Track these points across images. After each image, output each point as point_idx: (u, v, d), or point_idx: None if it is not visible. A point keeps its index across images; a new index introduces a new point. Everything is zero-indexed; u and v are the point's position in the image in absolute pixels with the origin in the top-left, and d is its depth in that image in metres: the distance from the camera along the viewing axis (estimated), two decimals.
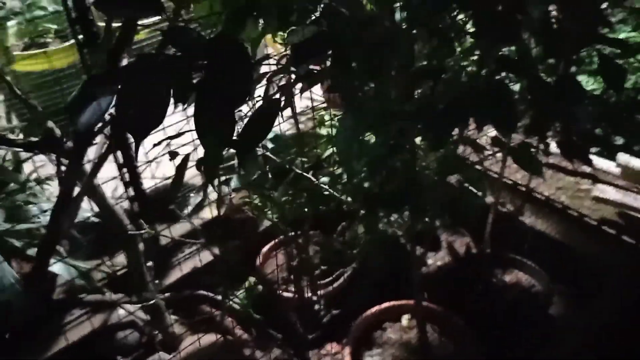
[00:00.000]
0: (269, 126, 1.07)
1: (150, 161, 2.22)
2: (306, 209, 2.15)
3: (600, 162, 3.05)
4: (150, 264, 2.15)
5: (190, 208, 2.75)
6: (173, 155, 1.50)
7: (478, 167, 2.94)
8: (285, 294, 2.39)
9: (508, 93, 1.27)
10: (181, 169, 1.42)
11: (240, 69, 0.86)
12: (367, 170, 1.56)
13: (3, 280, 1.45)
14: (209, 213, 2.79)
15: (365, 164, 1.55)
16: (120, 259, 2.45)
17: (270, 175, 2.13)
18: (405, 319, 2.28)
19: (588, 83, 3.15)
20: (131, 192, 2.36)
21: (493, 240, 2.58)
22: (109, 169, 2.11)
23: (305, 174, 2.04)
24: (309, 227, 2.37)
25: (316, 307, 2.23)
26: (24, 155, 1.90)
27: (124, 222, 1.91)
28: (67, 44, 2.43)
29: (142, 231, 1.89)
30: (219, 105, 0.85)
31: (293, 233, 2.37)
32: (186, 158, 1.46)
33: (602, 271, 2.43)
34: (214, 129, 0.85)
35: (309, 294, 2.27)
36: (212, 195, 3.06)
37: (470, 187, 1.60)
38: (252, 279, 2.53)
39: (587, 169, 3.12)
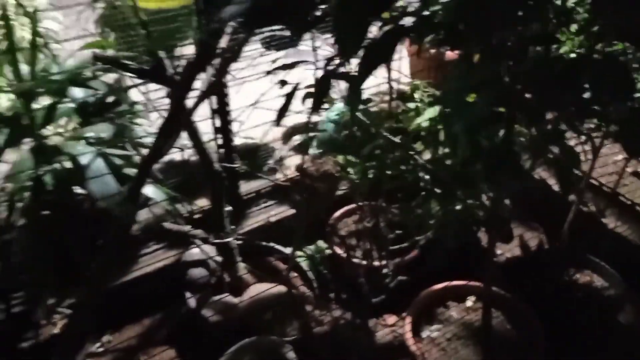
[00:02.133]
0: (390, 51, 1.08)
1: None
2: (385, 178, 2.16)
3: None
4: (229, 208, 2.22)
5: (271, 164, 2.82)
6: (283, 83, 1.53)
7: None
8: (353, 259, 2.41)
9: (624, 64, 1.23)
10: (289, 97, 1.46)
11: None
12: (465, 136, 1.54)
13: (109, 188, 1.54)
14: (290, 171, 2.86)
15: (465, 129, 1.54)
16: (202, 202, 2.55)
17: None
18: (470, 300, 2.27)
19: None
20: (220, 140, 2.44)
21: (570, 239, 2.51)
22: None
23: (395, 141, 2.05)
24: (384, 196, 2.39)
25: (384, 271, 2.24)
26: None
27: (212, 161, 1.98)
28: None
29: (234, 166, 1.95)
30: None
31: (367, 201, 2.40)
32: (295, 87, 1.50)
33: None
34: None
35: (378, 261, 2.28)
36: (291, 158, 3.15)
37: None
38: (321, 242, 2.58)
39: None
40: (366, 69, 1.06)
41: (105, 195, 1.52)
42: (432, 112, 1.99)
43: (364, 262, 2.32)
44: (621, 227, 2.60)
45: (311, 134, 2.76)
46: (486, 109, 1.47)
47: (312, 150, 2.57)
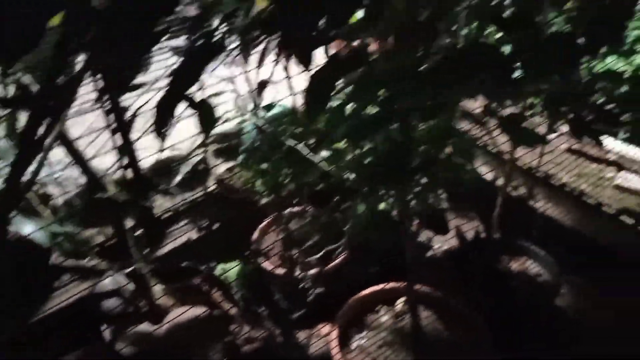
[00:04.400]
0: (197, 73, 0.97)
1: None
2: (298, 184, 2.06)
3: (626, 150, 2.87)
4: (139, 233, 2.09)
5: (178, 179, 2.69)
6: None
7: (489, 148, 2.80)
8: (278, 271, 2.31)
9: (499, 54, 1.14)
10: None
11: None
12: (352, 138, 1.45)
13: None
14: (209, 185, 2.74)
15: (350, 131, 1.45)
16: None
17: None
18: (400, 303, 2.18)
19: (616, 65, 2.95)
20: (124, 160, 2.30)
21: (503, 226, 2.44)
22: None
23: (297, 147, 1.95)
24: (304, 202, 2.29)
25: (303, 284, 2.14)
26: None
27: (106, 188, 1.85)
28: None
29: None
30: None
31: (289, 208, 2.30)
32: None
33: (615, 262, 2.27)
34: None
35: (298, 271, 2.18)
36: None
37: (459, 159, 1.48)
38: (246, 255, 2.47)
39: (612, 156, 2.94)
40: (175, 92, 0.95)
41: None
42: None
43: (285, 274, 2.23)
44: (551, 208, 2.55)
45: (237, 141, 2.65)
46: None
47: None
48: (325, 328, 2.30)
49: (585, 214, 2.50)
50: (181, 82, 0.95)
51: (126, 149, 2.23)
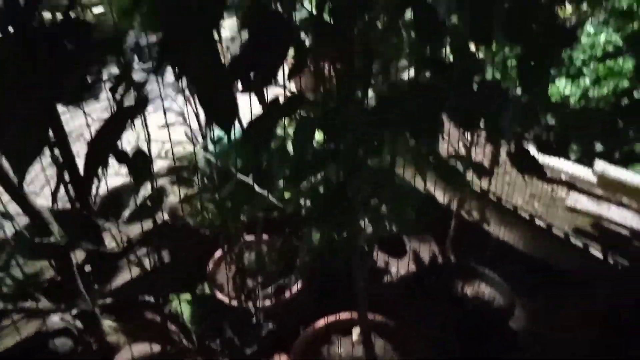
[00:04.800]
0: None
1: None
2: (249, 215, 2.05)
3: (577, 170, 2.93)
4: (88, 269, 2.05)
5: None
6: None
7: None
8: (232, 303, 2.29)
9: (433, 101, 1.15)
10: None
11: None
12: (292, 179, 1.45)
13: None
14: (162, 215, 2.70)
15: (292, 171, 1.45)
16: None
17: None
18: (355, 333, 2.17)
19: (565, 88, 3.02)
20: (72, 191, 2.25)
21: (457, 249, 2.47)
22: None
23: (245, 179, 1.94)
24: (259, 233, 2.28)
25: (255, 319, 2.12)
26: None
27: (50, 226, 1.80)
28: None
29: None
30: None
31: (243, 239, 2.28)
32: None
33: (565, 285, 2.31)
34: None
35: (251, 304, 2.16)
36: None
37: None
38: (203, 286, 2.44)
39: (564, 176, 3.00)
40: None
41: None
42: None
43: (239, 306, 2.20)
44: (504, 232, 2.59)
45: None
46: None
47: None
48: (283, 357, 2.28)
49: (536, 236, 2.54)
50: (108, 135, 0.94)
51: (73, 181, 2.19)
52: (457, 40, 1.12)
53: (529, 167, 1.67)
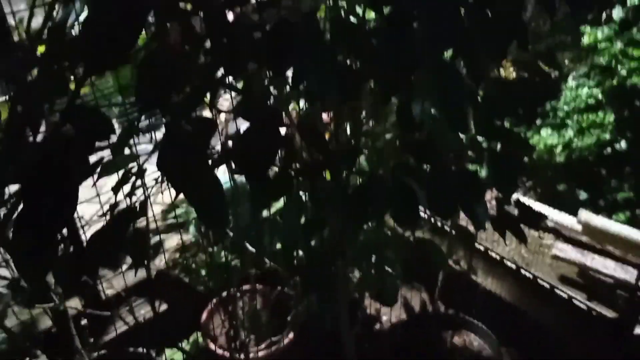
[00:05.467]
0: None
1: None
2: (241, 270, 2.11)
3: (562, 218, 3.00)
4: (85, 322, 2.10)
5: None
6: None
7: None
8: (225, 354, 2.33)
9: (410, 191, 1.22)
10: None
11: None
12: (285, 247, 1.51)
13: None
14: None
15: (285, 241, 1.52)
16: None
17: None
18: None
19: (549, 138, 3.12)
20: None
21: (446, 299, 2.53)
22: None
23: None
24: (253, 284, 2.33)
25: None
26: None
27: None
28: None
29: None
30: None
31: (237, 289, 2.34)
32: None
33: (550, 335, 2.37)
34: None
35: (249, 356, 2.21)
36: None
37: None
38: (196, 336, 2.48)
39: (550, 223, 3.08)
40: None
41: None
42: None
43: (233, 357, 2.24)
44: (491, 283, 2.65)
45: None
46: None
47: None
48: None
49: (522, 288, 2.60)
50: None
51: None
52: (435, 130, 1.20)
53: (509, 228, 1.74)
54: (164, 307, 2.55)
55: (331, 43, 1.01)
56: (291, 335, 2.39)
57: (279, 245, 1.78)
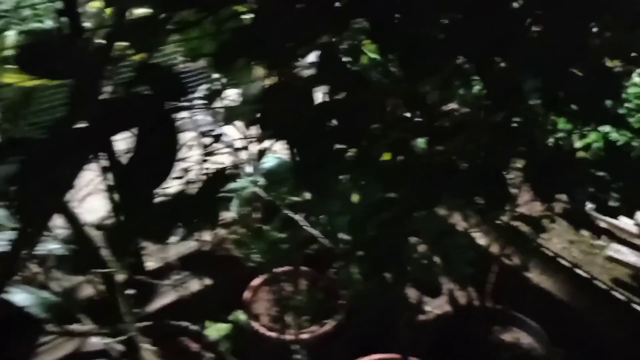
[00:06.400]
0: None
1: None
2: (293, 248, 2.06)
3: (617, 220, 2.90)
4: (131, 291, 2.07)
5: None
6: None
7: None
8: (269, 333, 2.29)
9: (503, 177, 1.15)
10: None
11: None
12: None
13: None
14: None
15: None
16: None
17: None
18: None
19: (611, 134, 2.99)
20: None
21: (496, 295, 2.44)
22: None
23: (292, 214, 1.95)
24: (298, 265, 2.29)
25: (293, 350, 2.12)
26: None
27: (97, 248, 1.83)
28: None
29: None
30: None
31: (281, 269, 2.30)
32: None
33: (605, 338, 2.27)
34: None
35: (292, 337, 2.17)
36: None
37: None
38: (238, 314, 2.44)
39: (602, 224, 2.97)
40: None
41: None
42: None
43: (275, 337, 2.21)
44: (545, 280, 2.56)
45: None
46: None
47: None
48: None
49: (577, 287, 2.51)
50: None
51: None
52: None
53: (583, 224, 1.67)
54: (207, 282, 2.54)
55: None
56: (336, 319, 2.35)
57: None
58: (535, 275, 2.55)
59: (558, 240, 2.84)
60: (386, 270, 1.39)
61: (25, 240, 1.35)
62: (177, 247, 2.64)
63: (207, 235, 2.76)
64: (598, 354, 2.25)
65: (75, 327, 2.02)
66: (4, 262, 1.36)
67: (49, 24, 2.09)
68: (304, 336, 2.28)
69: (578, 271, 2.56)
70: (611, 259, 2.68)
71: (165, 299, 2.44)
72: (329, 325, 2.31)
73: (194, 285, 2.50)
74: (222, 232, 2.59)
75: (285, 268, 2.44)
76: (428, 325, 2.61)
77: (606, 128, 3.08)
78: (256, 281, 2.55)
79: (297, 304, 2.34)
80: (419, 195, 1.27)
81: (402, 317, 2.27)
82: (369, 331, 2.32)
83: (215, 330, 2.34)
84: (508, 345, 2.35)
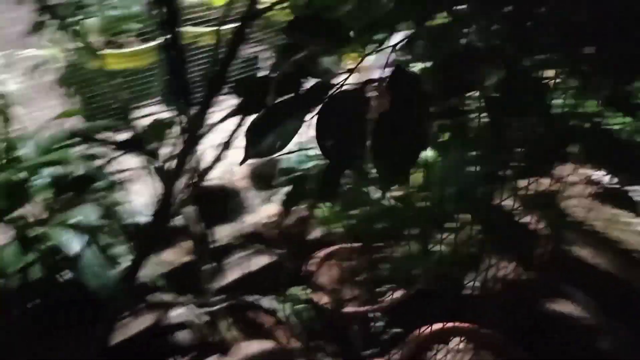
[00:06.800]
0: None
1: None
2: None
3: None
4: (212, 264, 2.18)
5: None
6: None
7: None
8: (333, 307, 2.39)
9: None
10: None
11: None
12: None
13: (103, 277, 1.48)
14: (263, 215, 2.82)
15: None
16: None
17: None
18: (455, 342, 2.28)
19: None
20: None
21: (544, 269, 2.57)
22: None
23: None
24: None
25: (375, 323, 2.24)
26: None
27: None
28: (148, 44, 2.44)
29: None
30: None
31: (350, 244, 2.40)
32: None
33: None
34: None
35: (368, 308, 2.28)
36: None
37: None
38: (301, 288, 2.54)
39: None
40: None
41: (101, 284, 1.46)
42: None
43: (351, 310, 2.32)
44: (589, 254, 2.69)
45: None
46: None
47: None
48: None
49: (622, 260, 2.64)
50: None
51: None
52: None
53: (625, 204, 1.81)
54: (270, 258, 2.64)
55: None
56: (400, 293, 2.45)
57: None
58: (581, 250, 2.69)
59: (594, 218, 2.97)
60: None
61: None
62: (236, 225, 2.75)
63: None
64: None
65: (157, 297, 2.12)
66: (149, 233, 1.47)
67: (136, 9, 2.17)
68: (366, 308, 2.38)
69: (619, 245, 2.69)
70: None
71: (231, 275, 2.54)
72: (391, 299, 2.42)
73: (258, 261, 2.60)
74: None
75: (347, 245, 2.55)
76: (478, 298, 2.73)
77: None
78: (317, 257, 2.65)
79: (359, 279, 2.45)
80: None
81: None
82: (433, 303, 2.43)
83: (283, 305, 2.44)
84: (560, 315, 2.48)
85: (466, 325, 2.21)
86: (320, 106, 0.90)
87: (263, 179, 3.10)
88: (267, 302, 2.38)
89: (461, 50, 1.20)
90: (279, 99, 0.98)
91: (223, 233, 2.67)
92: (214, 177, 2.81)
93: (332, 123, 0.88)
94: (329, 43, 1.12)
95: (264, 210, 2.91)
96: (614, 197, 2.81)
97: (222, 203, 2.87)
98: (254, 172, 3.21)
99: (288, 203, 2.22)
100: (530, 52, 1.28)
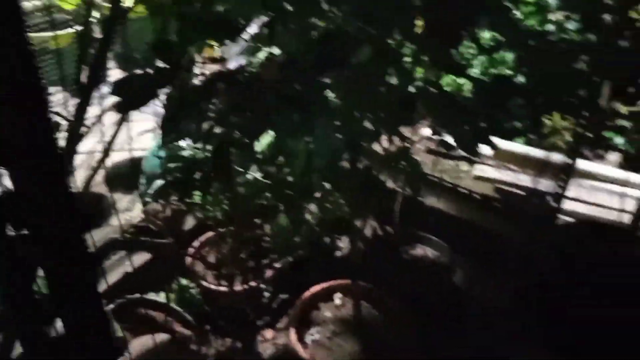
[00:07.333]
0: None
1: None
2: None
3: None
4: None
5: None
6: None
7: None
8: (220, 288, 2.49)
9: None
10: None
11: None
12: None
13: None
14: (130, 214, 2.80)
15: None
16: None
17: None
18: (337, 298, 2.50)
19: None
20: None
21: (401, 220, 2.89)
22: None
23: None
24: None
25: (263, 294, 2.37)
26: None
27: None
28: None
29: None
30: None
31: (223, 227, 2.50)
32: None
33: (493, 242, 2.83)
34: None
35: (252, 283, 2.41)
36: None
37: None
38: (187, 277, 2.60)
39: (463, 152, 3.57)
40: None
41: None
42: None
43: (238, 288, 2.43)
44: (435, 201, 3.07)
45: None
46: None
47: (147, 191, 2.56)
48: (269, 333, 2.54)
49: (460, 202, 3.06)
50: None
51: None
52: None
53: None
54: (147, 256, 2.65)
55: None
56: (272, 269, 2.62)
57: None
58: (427, 199, 3.06)
59: (430, 170, 3.38)
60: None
61: None
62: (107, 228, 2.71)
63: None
64: (490, 254, 2.80)
65: None
66: None
67: None
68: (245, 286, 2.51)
69: (460, 190, 3.11)
70: (479, 178, 3.27)
71: (112, 277, 2.51)
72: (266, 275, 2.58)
73: (138, 259, 2.60)
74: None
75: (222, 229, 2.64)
76: (345, 258, 2.99)
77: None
78: (196, 244, 2.71)
79: (235, 260, 2.56)
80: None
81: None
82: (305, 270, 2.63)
83: (172, 295, 2.49)
84: (417, 259, 2.81)
85: (344, 282, 2.42)
86: None
87: (120, 182, 3.07)
88: (154, 296, 2.41)
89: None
90: None
91: (96, 237, 2.61)
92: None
93: None
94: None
95: (130, 210, 2.90)
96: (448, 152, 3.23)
97: (89, 209, 2.80)
98: (107, 176, 3.15)
99: (160, 196, 2.25)
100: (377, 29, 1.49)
